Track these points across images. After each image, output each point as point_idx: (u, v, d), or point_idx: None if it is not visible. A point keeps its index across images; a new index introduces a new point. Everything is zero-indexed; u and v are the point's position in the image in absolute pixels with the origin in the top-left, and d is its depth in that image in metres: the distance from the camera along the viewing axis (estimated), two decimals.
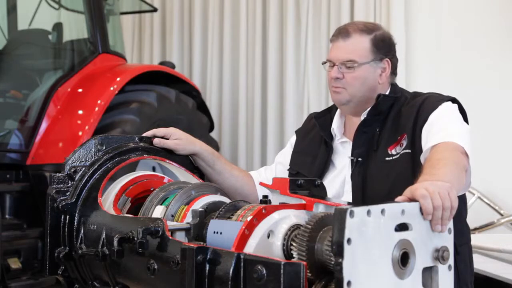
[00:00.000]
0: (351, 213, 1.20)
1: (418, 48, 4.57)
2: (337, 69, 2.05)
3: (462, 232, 2.01)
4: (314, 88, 4.88)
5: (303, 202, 1.58)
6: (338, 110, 2.19)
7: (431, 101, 2.00)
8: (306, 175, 2.12)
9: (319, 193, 1.68)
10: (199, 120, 4.42)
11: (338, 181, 2.08)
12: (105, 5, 4.34)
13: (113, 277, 1.72)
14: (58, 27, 4.22)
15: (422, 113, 1.97)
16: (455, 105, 2.02)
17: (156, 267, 1.52)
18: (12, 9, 4.19)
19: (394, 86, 2.15)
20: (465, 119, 2.03)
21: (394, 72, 2.14)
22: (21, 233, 3.52)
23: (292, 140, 2.34)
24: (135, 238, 1.51)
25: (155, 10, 5.20)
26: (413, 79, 4.49)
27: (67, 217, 1.81)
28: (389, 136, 2.01)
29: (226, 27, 5.29)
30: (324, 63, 2.13)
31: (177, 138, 2.07)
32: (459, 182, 1.66)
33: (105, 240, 1.69)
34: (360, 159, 2.02)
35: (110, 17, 4.46)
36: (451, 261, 1.41)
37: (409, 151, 1.95)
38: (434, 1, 4.60)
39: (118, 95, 3.87)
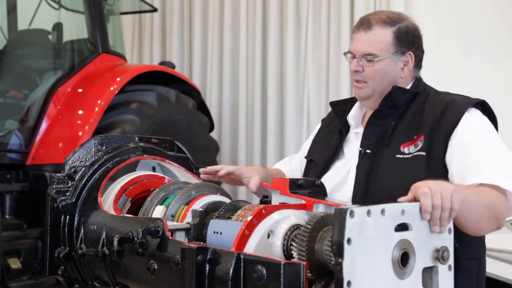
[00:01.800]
0: (351, 213, 1.20)
1: None
2: (357, 62, 1.98)
3: (470, 246, 1.88)
4: (314, 88, 4.88)
5: (303, 202, 1.58)
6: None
7: (456, 106, 1.88)
8: (317, 162, 2.09)
9: (319, 193, 1.68)
10: (199, 120, 4.42)
11: (344, 170, 2.01)
12: (105, 5, 4.34)
13: (113, 277, 1.72)
14: (58, 27, 4.22)
15: (445, 118, 1.86)
16: (484, 117, 1.91)
17: (156, 267, 1.52)
18: (12, 9, 4.19)
19: (417, 80, 2.05)
20: (495, 124, 1.94)
21: (418, 65, 2.04)
22: (21, 233, 3.52)
23: (316, 129, 2.30)
24: (135, 238, 1.51)
25: (155, 10, 5.20)
26: None
27: (67, 217, 1.81)
28: (405, 133, 1.92)
29: (226, 27, 5.29)
30: (345, 53, 2.05)
31: (248, 177, 1.98)
32: (477, 214, 1.62)
33: (105, 240, 1.69)
34: (368, 151, 1.95)
35: (110, 17, 4.46)
36: (451, 261, 1.41)
37: (423, 153, 1.85)
38: (434, 2, 4.60)
39: (118, 95, 3.87)
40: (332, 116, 2.22)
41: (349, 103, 2.17)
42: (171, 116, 4.05)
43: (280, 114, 5.04)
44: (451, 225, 1.42)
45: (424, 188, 1.37)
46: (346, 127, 2.10)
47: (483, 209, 1.64)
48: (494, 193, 1.70)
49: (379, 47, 1.96)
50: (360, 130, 2.06)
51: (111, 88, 3.85)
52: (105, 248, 1.67)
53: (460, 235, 1.68)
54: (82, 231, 1.79)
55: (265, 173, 2.08)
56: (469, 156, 1.79)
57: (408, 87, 2.02)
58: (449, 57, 4.49)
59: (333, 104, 2.21)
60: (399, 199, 1.39)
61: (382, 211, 1.27)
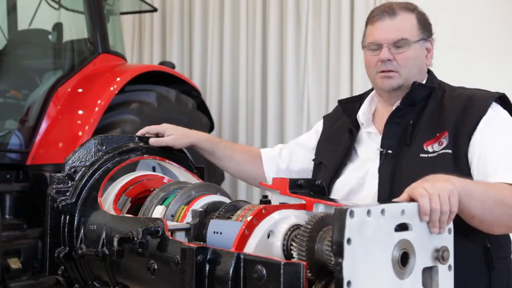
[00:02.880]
0: (351, 213, 1.20)
1: None
2: (387, 50, 1.87)
3: (501, 245, 1.86)
4: (314, 88, 4.88)
5: (303, 202, 1.58)
6: (369, 96, 2.05)
7: (479, 101, 1.83)
8: (327, 164, 2.01)
9: (319, 193, 1.68)
10: (199, 120, 4.42)
11: (360, 173, 1.93)
12: (105, 5, 4.34)
13: (113, 277, 1.72)
14: (58, 27, 4.22)
15: (469, 114, 1.81)
16: (506, 113, 1.86)
17: (156, 267, 1.52)
18: (12, 9, 4.19)
19: (431, 74, 2.00)
20: None
21: (432, 55, 1.99)
22: (21, 233, 3.52)
23: (318, 126, 2.20)
24: (135, 238, 1.51)
25: (155, 10, 5.20)
26: None
27: (67, 217, 1.81)
28: (426, 131, 1.86)
29: (226, 27, 5.29)
30: (366, 46, 1.95)
31: (171, 134, 2.04)
32: (487, 211, 1.58)
33: (105, 240, 1.69)
34: (390, 151, 1.87)
35: (110, 17, 4.46)
36: (451, 261, 1.41)
37: (450, 151, 1.79)
38: (433, 2, 4.60)
39: (118, 95, 3.87)
40: (338, 114, 2.15)
41: (358, 100, 2.10)
42: (171, 116, 4.04)
43: (280, 114, 5.04)
44: (451, 225, 1.42)
45: (421, 189, 1.36)
46: (356, 126, 2.03)
47: (491, 203, 1.60)
48: (509, 188, 1.65)
49: (410, 32, 1.89)
50: (372, 129, 2.00)
51: (111, 88, 3.85)
52: (105, 248, 1.67)
53: (490, 235, 1.71)
54: (82, 231, 1.79)
55: (208, 141, 2.08)
56: (490, 153, 1.76)
57: (424, 81, 1.96)
58: (449, 57, 4.49)
59: (341, 102, 2.15)
60: (393, 200, 1.38)
61: (382, 211, 1.27)
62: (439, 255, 1.37)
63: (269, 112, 5.05)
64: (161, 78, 4.27)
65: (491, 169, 1.74)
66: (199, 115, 4.47)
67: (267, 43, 5.11)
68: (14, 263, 3.39)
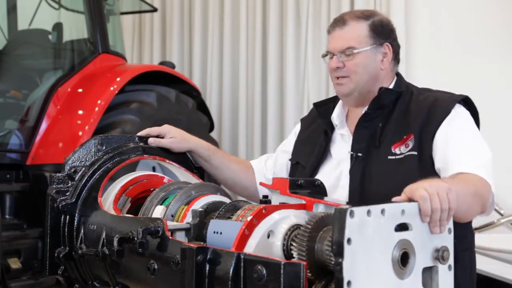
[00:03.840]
0: (351, 213, 1.20)
1: (418, 48, 4.57)
2: (336, 59, 2.00)
3: (464, 235, 1.95)
4: (314, 87, 4.88)
5: (303, 202, 1.58)
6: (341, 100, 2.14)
7: (442, 104, 1.92)
8: (304, 165, 2.09)
9: (319, 193, 1.68)
10: (199, 120, 4.42)
11: (335, 174, 2.02)
12: (105, 5, 4.34)
13: (113, 277, 1.72)
14: (58, 27, 4.22)
15: (433, 116, 1.90)
16: (467, 112, 1.95)
17: (156, 267, 1.52)
18: (12, 9, 4.19)
19: (399, 78, 2.08)
20: (477, 120, 1.97)
21: (396, 58, 2.07)
22: (21, 233, 3.52)
23: (296, 128, 2.28)
24: (135, 238, 1.51)
25: (155, 10, 5.20)
26: (413, 79, 4.44)
27: (67, 217, 1.81)
28: (393, 134, 1.94)
29: (226, 27, 5.29)
30: (324, 56, 2.07)
31: (172, 136, 2.06)
32: (466, 204, 1.63)
33: (105, 240, 1.69)
34: (360, 154, 1.96)
35: (110, 17, 4.46)
36: (451, 261, 1.41)
37: (415, 153, 1.88)
38: (434, 2, 4.60)
39: (118, 95, 3.87)
40: (313, 116, 2.23)
41: (331, 102, 2.18)
42: (171, 116, 4.05)
43: (280, 114, 5.04)
44: (451, 225, 1.42)
45: (421, 191, 1.37)
46: (331, 128, 2.11)
47: (470, 198, 1.67)
48: (478, 178, 1.74)
49: (356, 40, 1.99)
50: (345, 131, 2.08)
51: (111, 88, 3.85)
52: (105, 248, 1.67)
53: (454, 227, 1.70)
54: (82, 231, 1.79)
55: (205, 148, 2.11)
56: (450, 150, 1.83)
57: (391, 85, 2.04)
58: (449, 57, 4.49)
59: (316, 105, 2.22)
60: (393, 199, 1.39)
61: (382, 211, 1.27)
62: (439, 255, 1.37)
63: (269, 112, 5.05)
64: (161, 78, 4.27)
65: (451, 160, 1.81)
66: (199, 115, 4.47)
67: (267, 43, 5.11)
68: (14, 263, 3.39)
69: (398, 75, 2.10)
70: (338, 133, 2.10)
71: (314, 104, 2.23)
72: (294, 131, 2.29)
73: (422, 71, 4.54)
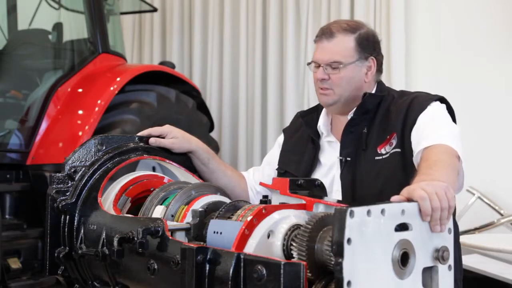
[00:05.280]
0: (351, 213, 1.20)
1: (418, 48, 4.57)
2: (322, 71, 2.04)
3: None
4: (314, 88, 4.87)
5: (303, 202, 1.58)
6: (325, 108, 2.19)
7: (420, 101, 1.98)
8: (294, 173, 2.11)
9: (319, 193, 1.68)
10: (199, 120, 4.42)
11: (327, 180, 2.05)
12: (105, 5, 4.34)
13: (113, 277, 1.72)
14: (58, 27, 4.22)
15: (411, 113, 1.96)
16: (443, 106, 2.02)
17: (156, 267, 1.52)
18: (12, 9, 4.19)
19: (380, 84, 2.14)
20: (453, 119, 2.02)
21: (379, 70, 2.13)
22: (21, 233, 3.52)
23: (280, 139, 2.32)
24: (135, 238, 1.51)
25: (155, 10, 5.20)
26: (413, 79, 4.48)
27: (67, 217, 1.81)
28: (378, 136, 2.00)
29: (226, 27, 5.30)
30: (309, 63, 2.11)
31: (173, 137, 2.07)
32: (454, 184, 1.65)
33: (105, 240, 1.69)
34: (348, 158, 2.02)
35: (110, 17, 4.46)
36: (451, 261, 1.41)
37: (399, 150, 1.94)
38: (434, 1, 4.60)
39: (118, 95, 3.87)
40: (297, 125, 2.27)
41: (315, 111, 2.24)
42: (171, 116, 4.05)
43: (280, 114, 5.04)
44: (451, 225, 1.42)
45: (419, 191, 1.38)
46: (317, 136, 2.16)
47: (455, 178, 1.69)
48: (444, 148, 1.77)
49: (343, 54, 2.03)
50: (332, 138, 2.14)
51: (111, 88, 3.85)
52: (105, 248, 1.67)
53: None
54: (82, 231, 1.79)
55: (205, 151, 2.12)
56: (421, 132, 1.89)
57: (373, 91, 2.10)
58: (449, 57, 4.49)
59: (301, 114, 2.26)
60: (392, 199, 1.39)
61: (382, 211, 1.27)
62: (439, 255, 1.37)
63: (269, 112, 5.06)
64: (161, 78, 4.27)
65: (422, 138, 1.86)
66: (199, 115, 4.47)
67: (267, 43, 5.11)
68: (14, 263, 3.39)
69: (379, 82, 2.15)
70: (325, 141, 2.15)
71: (300, 113, 2.28)
72: (277, 142, 2.32)
73: (422, 71, 4.54)
